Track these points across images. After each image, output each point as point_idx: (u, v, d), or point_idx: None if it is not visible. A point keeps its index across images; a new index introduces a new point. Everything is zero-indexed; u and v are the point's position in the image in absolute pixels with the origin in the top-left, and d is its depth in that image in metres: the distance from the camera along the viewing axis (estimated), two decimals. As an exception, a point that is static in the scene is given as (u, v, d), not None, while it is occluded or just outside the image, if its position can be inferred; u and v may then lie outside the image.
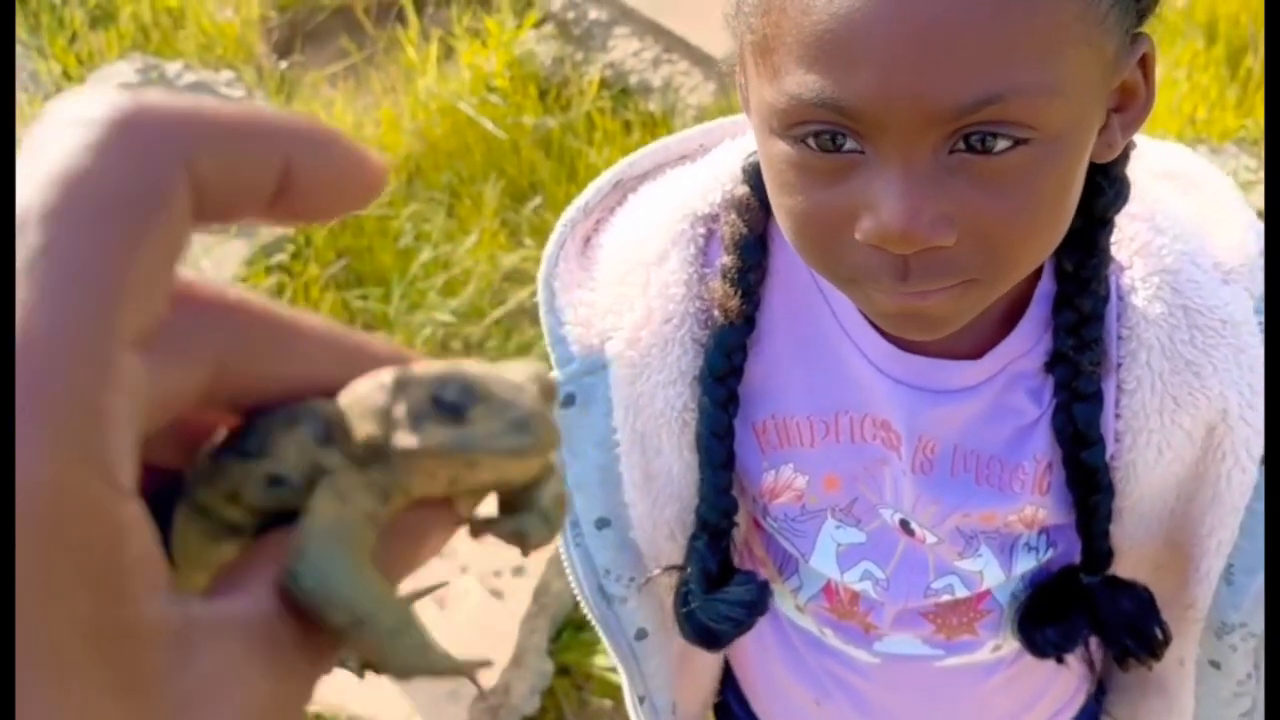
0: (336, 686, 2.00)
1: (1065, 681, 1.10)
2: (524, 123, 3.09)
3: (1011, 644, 1.02)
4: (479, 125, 3.08)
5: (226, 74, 3.21)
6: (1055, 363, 0.85)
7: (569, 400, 0.93)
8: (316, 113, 3.16)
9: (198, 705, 0.25)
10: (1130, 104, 0.74)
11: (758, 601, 0.95)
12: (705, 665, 1.21)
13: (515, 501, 0.36)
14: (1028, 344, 0.87)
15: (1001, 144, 0.67)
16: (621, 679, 1.12)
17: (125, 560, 0.24)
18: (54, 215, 0.24)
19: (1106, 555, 0.93)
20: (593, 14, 3.31)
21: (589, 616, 1.04)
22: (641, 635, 1.04)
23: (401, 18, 3.39)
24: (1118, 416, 0.87)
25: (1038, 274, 0.86)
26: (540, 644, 2.16)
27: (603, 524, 0.97)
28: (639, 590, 1.01)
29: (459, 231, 2.93)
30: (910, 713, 1.10)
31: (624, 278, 0.90)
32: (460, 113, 3.11)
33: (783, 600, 1.07)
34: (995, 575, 0.95)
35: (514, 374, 0.31)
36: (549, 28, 3.34)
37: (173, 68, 3.14)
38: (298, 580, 0.28)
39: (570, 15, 3.32)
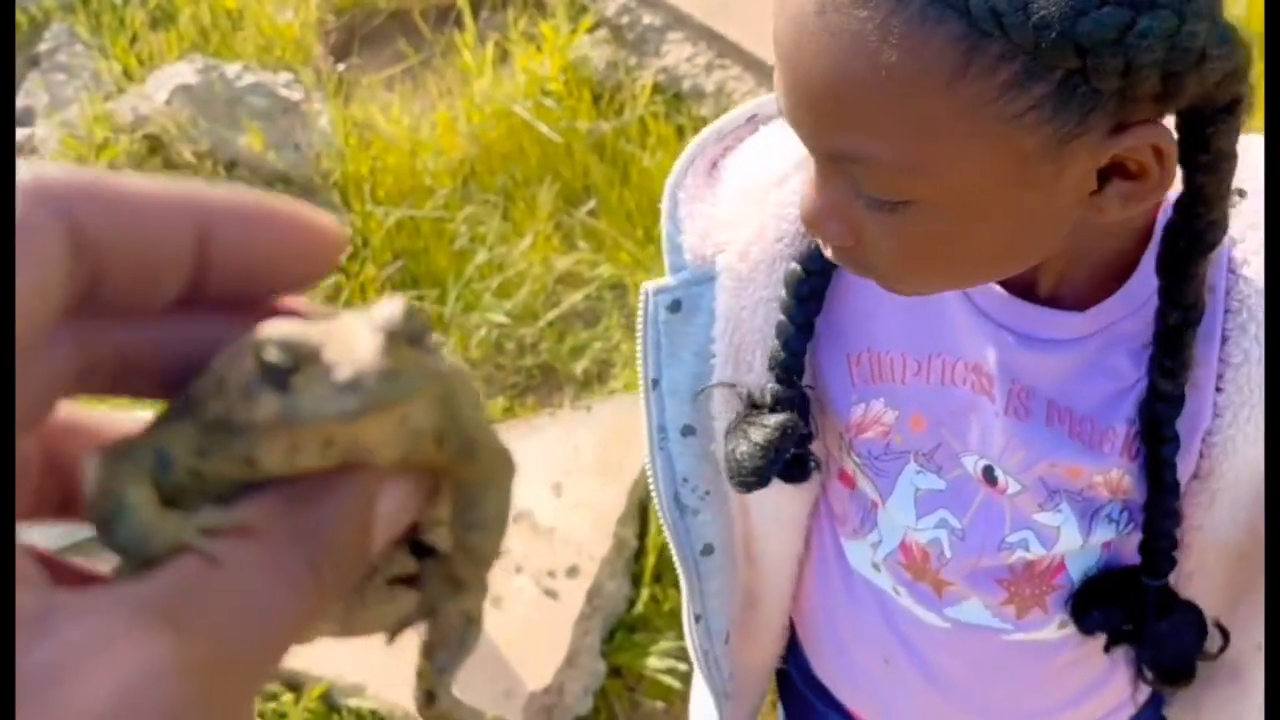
0: (392, 683, 2.03)
1: (1123, 676, 1.11)
2: (578, 127, 3.11)
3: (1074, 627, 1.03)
4: (534, 129, 3.10)
5: (285, 75, 3.25)
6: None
7: (675, 306, 0.98)
8: (373, 115, 3.20)
9: (63, 669, 0.25)
10: (1139, 178, 0.74)
11: (792, 430, 0.95)
12: (769, 618, 1.22)
13: (460, 499, 0.35)
14: (1133, 305, 0.87)
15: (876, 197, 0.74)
16: (682, 598, 1.15)
17: None
18: None
19: (1167, 556, 0.94)
20: (646, 19, 3.33)
21: (663, 525, 1.08)
22: (708, 551, 1.08)
23: (458, 22, 3.42)
24: (1220, 390, 0.88)
25: (1147, 234, 0.86)
26: (593, 644, 2.17)
27: (688, 431, 1.01)
28: (712, 503, 1.05)
29: (513, 234, 2.95)
30: (974, 683, 1.11)
31: (745, 195, 0.95)
32: (515, 116, 3.13)
33: (860, 558, 1.09)
34: (1072, 537, 0.96)
35: (365, 321, 0.29)
36: (603, 32, 3.36)
37: (232, 69, 3.18)
38: (87, 476, 0.30)
39: (624, 20, 3.34)
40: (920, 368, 0.94)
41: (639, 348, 1.01)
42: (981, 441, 0.94)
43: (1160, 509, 0.92)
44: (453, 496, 0.36)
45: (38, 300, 0.27)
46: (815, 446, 1.02)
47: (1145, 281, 0.86)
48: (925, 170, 0.71)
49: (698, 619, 1.14)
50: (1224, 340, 0.87)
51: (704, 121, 3.12)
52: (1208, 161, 0.75)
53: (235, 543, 0.28)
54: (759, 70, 3.17)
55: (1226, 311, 0.86)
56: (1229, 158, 0.76)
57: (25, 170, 0.27)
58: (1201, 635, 0.98)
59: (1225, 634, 1.00)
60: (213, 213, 0.29)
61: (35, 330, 0.27)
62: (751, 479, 0.97)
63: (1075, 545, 0.97)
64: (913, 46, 0.66)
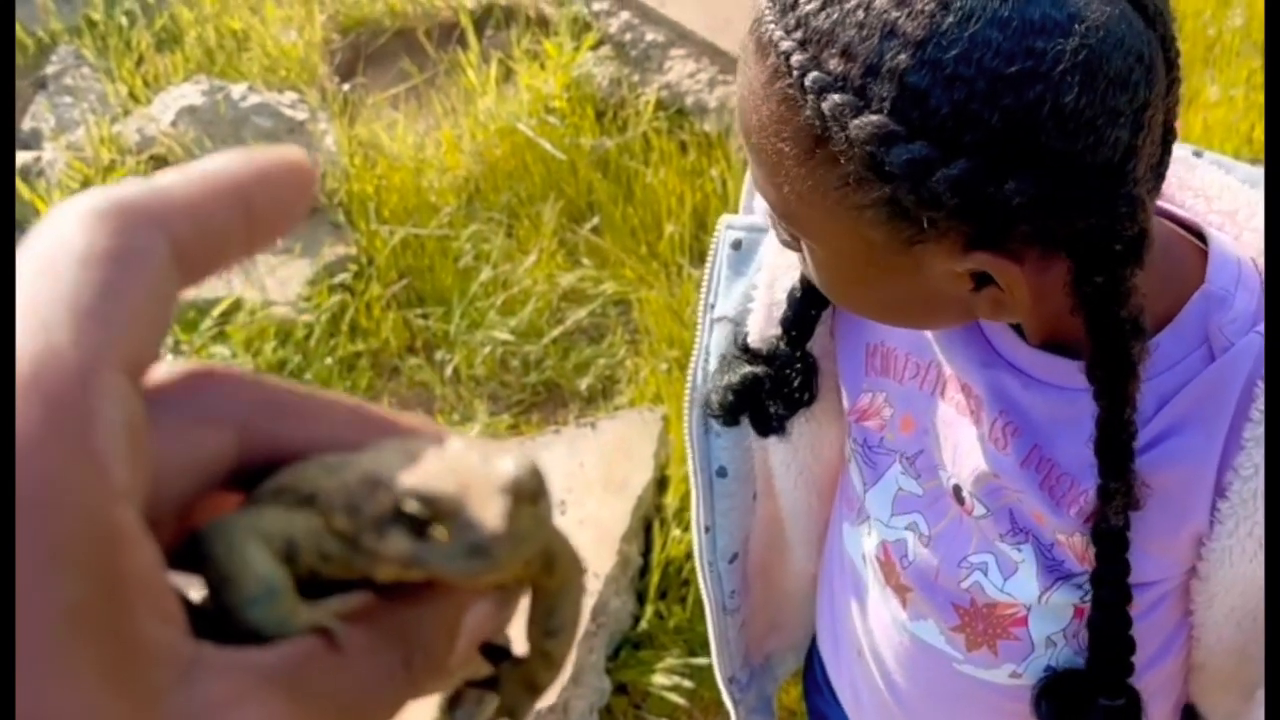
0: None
1: None
2: (581, 144, 3.12)
3: (1030, 680, 1.01)
4: (537, 146, 3.11)
5: (290, 95, 3.27)
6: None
7: (737, 244, 1.06)
8: (378, 134, 3.21)
9: (206, 716, 0.28)
10: (1000, 292, 0.75)
11: (754, 383, 1.01)
12: (798, 566, 1.26)
13: (538, 606, 0.38)
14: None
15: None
16: (693, 513, 1.20)
17: (121, 565, 0.26)
18: (46, 267, 0.28)
19: (1117, 649, 0.92)
20: (650, 35, 3.34)
21: (686, 441, 1.14)
22: (722, 473, 1.14)
23: (462, 40, 3.43)
24: (1224, 497, 0.84)
25: (1178, 296, 0.83)
26: (598, 662, 2.17)
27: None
28: (733, 430, 1.09)
29: (518, 251, 2.96)
30: (922, 704, 1.11)
31: None
32: (519, 134, 3.14)
33: (854, 544, 1.10)
34: (1030, 580, 0.94)
35: (496, 474, 0.31)
36: (606, 49, 3.37)
37: (237, 89, 3.19)
38: (201, 536, 0.31)
39: (627, 37, 3.35)
40: (919, 370, 0.96)
41: (707, 269, 1.07)
42: (953, 460, 0.94)
43: (1105, 579, 0.88)
44: (531, 604, 0.38)
45: (159, 299, 0.30)
46: (822, 412, 1.05)
47: (1154, 347, 0.81)
48: (798, 224, 0.78)
49: (707, 530, 1.18)
50: (1240, 448, 0.82)
51: (707, 138, 3.12)
52: (1077, 303, 0.74)
53: (349, 630, 0.31)
54: (761, 85, 3.17)
55: (1247, 419, 0.81)
56: (1100, 304, 0.73)
57: (107, 192, 0.30)
58: None
59: None
60: (251, 183, 0.32)
61: (157, 332, 0.30)
62: (716, 414, 1.04)
63: (1033, 593, 0.95)
64: (782, 115, 0.72)
